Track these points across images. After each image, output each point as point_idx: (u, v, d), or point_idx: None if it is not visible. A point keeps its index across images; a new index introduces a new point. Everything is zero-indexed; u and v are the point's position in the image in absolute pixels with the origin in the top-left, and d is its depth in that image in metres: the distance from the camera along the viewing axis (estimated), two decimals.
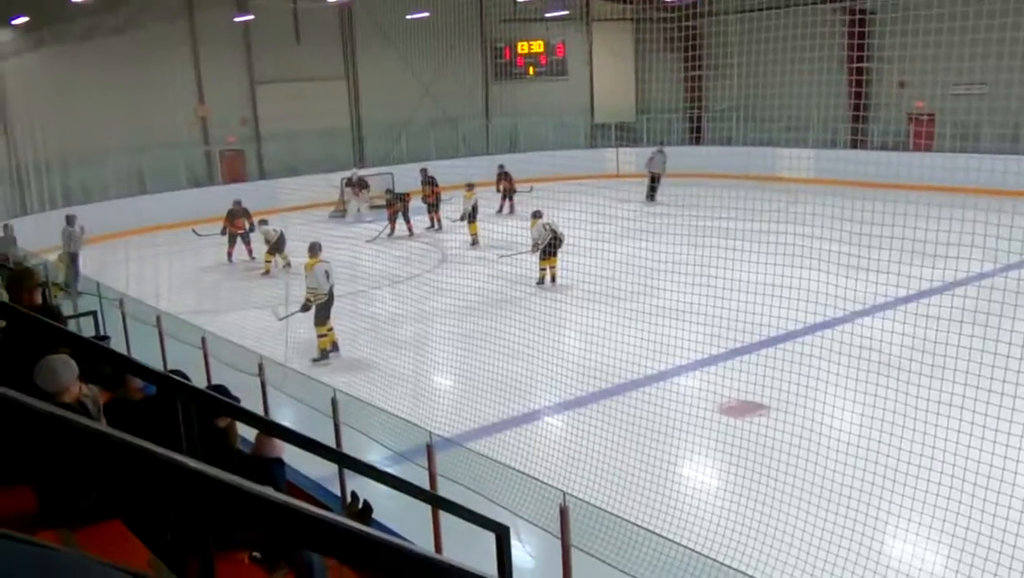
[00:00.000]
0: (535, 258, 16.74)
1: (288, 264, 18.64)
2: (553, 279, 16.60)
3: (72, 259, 17.42)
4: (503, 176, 24.35)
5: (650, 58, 33.26)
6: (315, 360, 12.64)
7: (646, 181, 26.55)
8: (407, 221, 22.19)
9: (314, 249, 13.27)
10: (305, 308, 13.13)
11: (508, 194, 24.37)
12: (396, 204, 22.12)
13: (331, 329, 13.03)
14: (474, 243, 20.79)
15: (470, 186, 21.26)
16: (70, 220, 18.01)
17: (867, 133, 26.71)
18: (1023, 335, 7.26)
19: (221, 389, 5.26)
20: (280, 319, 13.65)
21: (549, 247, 16.44)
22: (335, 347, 13.04)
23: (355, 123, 31.19)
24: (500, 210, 24.05)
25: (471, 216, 20.96)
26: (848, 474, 7.41)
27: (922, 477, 7.23)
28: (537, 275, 16.69)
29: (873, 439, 7.94)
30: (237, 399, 5.20)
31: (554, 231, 16.41)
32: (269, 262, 19.05)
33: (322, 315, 12.93)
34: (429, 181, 23.15)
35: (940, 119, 26.42)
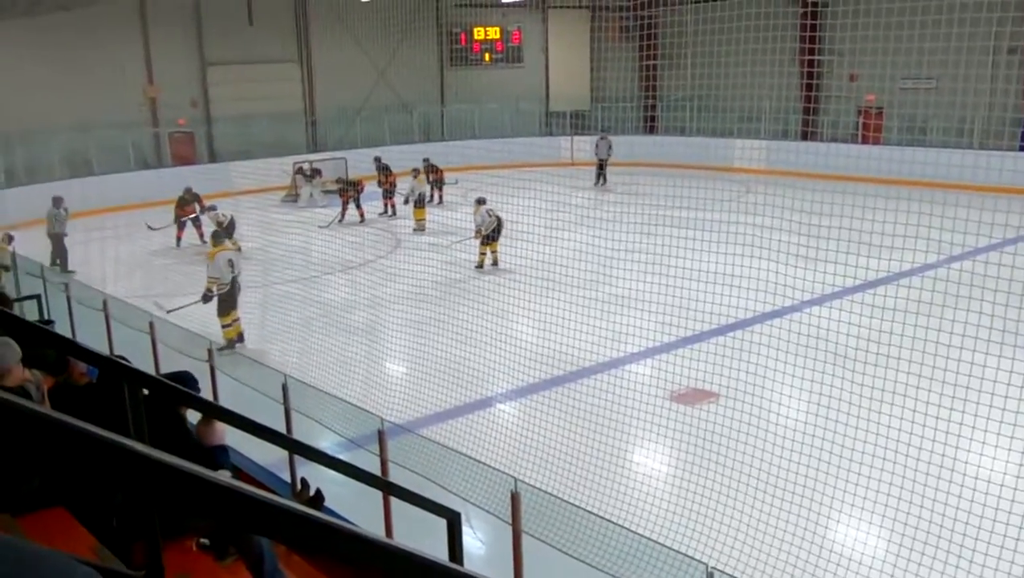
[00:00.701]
0: (477, 243, 16.92)
1: (239, 249, 18.49)
2: (495, 263, 16.81)
3: (59, 240, 17.96)
4: (431, 168, 24.12)
5: (605, 47, 33.38)
6: (220, 349, 11.58)
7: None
8: (359, 207, 22.05)
9: (217, 236, 12.93)
10: (206, 298, 12.49)
11: (437, 184, 24.30)
12: (349, 191, 21.97)
13: (237, 320, 12.54)
14: (418, 229, 20.74)
15: (417, 172, 21.27)
16: (56, 202, 18.24)
17: (818, 125, 27.13)
18: (965, 325, 7.43)
19: (185, 376, 5.12)
20: (168, 312, 12.52)
21: (493, 232, 16.66)
22: (240, 338, 12.56)
23: (308, 107, 30.83)
24: (430, 200, 23.84)
25: (418, 201, 20.94)
26: (796, 461, 7.53)
27: (866, 464, 7.39)
28: (476, 259, 16.88)
29: (820, 427, 8.08)
30: (198, 388, 5.13)
31: (497, 217, 16.61)
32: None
33: (226, 305, 12.42)
34: (383, 169, 23.06)
35: (889, 112, 26.90)
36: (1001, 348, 7.40)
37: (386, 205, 23.15)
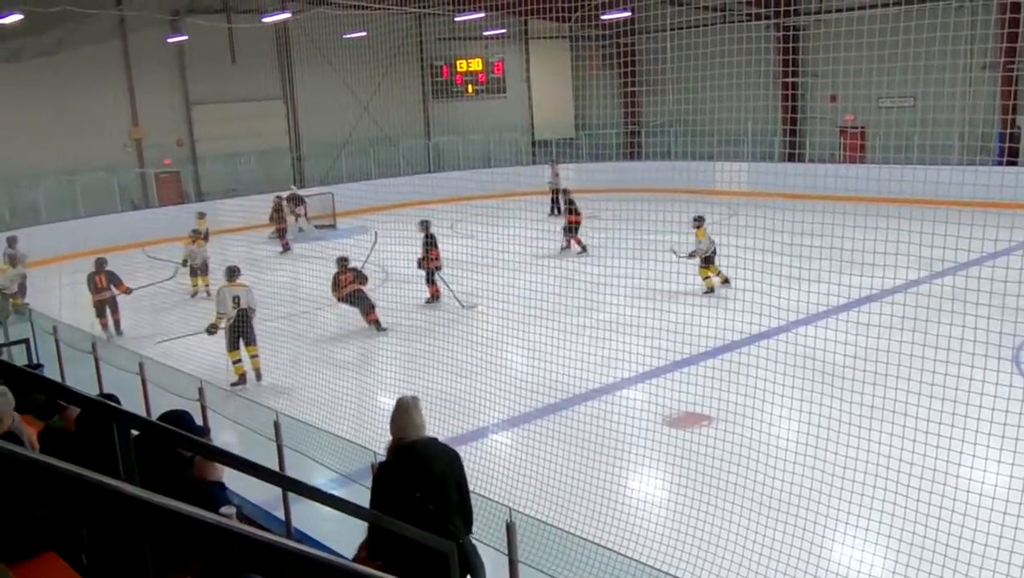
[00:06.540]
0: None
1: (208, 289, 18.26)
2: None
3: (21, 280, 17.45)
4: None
5: (587, 75, 33.69)
6: (232, 385, 12.25)
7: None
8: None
9: (231, 273, 13.10)
10: (209, 331, 12.93)
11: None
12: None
13: (238, 361, 12.73)
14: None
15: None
16: (11, 242, 18.09)
17: (800, 146, 27.37)
18: (949, 339, 7.48)
19: (180, 416, 5.09)
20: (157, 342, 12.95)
21: None
22: (243, 379, 12.68)
23: (294, 143, 30.98)
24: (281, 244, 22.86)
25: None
26: (791, 482, 7.54)
27: (859, 481, 7.40)
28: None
29: (814, 446, 8.10)
30: (199, 429, 5.13)
31: None
32: (195, 285, 18.92)
33: (228, 341, 12.75)
34: (429, 240, 16.65)
35: (870, 132, 27.17)
36: (986, 360, 7.47)
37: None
